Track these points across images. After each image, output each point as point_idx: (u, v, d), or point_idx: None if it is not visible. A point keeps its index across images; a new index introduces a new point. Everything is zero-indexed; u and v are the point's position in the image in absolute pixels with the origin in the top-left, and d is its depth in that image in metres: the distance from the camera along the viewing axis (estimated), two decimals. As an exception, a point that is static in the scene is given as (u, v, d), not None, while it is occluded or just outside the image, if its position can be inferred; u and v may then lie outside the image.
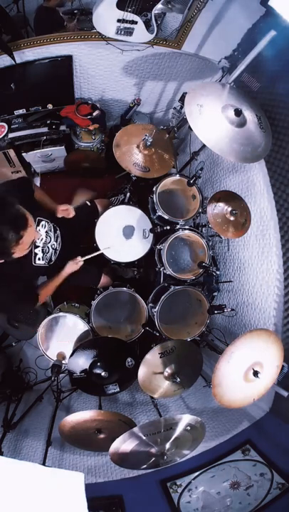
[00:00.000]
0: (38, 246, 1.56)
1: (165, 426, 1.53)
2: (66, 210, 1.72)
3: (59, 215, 1.72)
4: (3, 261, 1.27)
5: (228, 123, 1.56)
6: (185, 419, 1.54)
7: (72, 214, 1.75)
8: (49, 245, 1.63)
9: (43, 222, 1.59)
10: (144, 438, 1.51)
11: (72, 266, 1.72)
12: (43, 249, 1.59)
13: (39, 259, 1.58)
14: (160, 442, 1.56)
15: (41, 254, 1.59)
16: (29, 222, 1.22)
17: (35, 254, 1.56)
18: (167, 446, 1.58)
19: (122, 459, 1.57)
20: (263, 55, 1.74)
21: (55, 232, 1.68)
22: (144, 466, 1.64)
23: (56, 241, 1.69)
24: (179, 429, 1.56)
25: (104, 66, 2.31)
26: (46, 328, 2.01)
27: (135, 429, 1.48)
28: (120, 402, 2.25)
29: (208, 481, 1.68)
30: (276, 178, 1.80)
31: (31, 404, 2.19)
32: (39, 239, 1.56)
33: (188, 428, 1.56)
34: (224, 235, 1.88)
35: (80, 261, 1.73)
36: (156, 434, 1.53)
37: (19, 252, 1.24)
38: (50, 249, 1.65)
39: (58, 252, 1.70)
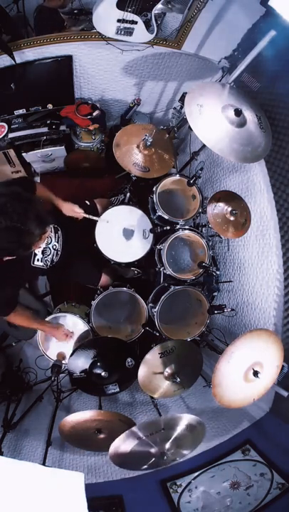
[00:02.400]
0: (40, 247, 1.56)
1: (165, 426, 1.53)
2: (75, 212, 1.74)
3: (67, 214, 1.72)
4: (14, 257, 1.28)
5: (228, 123, 1.56)
6: (185, 419, 1.54)
7: (81, 217, 1.77)
8: (50, 246, 1.63)
9: None
10: (143, 438, 1.51)
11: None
12: (43, 251, 1.59)
13: (38, 260, 1.58)
14: (160, 442, 1.56)
15: (40, 256, 1.59)
16: (50, 220, 1.30)
17: (35, 254, 1.56)
18: (167, 446, 1.58)
19: (122, 459, 1.57)
20: (263, 55, 1.74)
21: (56, 232, 1.68)
22: (144, 466, 1.64)
23: (58, 242, 1.69)
24: (179, 429, 1.56)
25: (104, 66, 2.31)
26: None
27: (135, 429, 1.48)
28: (120, 402, 2.25)
29: (208, 481, 1.68)
30: (276, 178, 1.80)
31: (31, 404, 2.19)
32: None
33: (188, 428, 1.56)
34: (224, 235, 1.88)
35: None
36: (156, 434, 1.53)
37: (36, 246, 1.31)
38: (52, 250, 1.65)
39: (59, 252, 1.70)
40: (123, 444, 1.51)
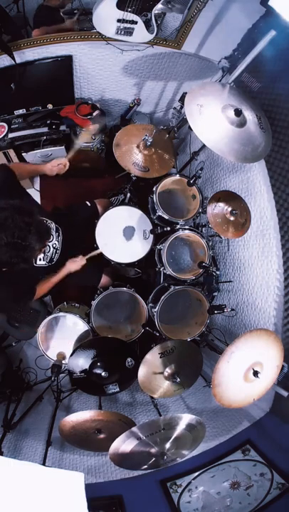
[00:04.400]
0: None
1: (165, 426, 1.53)
2: (59, 165, 1.60)
3: (52, 173, 1.61)
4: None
5: (228, 123, 1.56)
6: (185, 419, 1.54)
7: (67, 165, 1.64)
8: (50, 245, 1.63)
9: None
10: (143, 438, 1.51)
11: (72, 265, 1.72)
12: (44, 250, 1.59)
13: (40, 259, 1.58)
14: (160, 442, 1.56)
15: (42, 255, 1.59)
16: (50, 232, 1.31)
17: None
18: (167, 446, 1.58)
19: (122, 459, 1.57)
20: (263, 55, 1.74)
21: (56, 231, 1.68)
22: (144, 466, 1.64)
23: (58, 240, 1.69)
24: (179, 429, 1.56)
25: (104, 66, 2.31)
26: (46, 328, 2.01)
27: (135, 429, 1.48)
28: (120, 402, 2.25)
29: (208, 481, 1.68)
30: (276, 178, 1.80)
31: (31, 404, 2.19)
32: None
33: (188, 428, 1.56)
34: (224, 235, 1.88)
35: (81, 260, 1.74)
36: (156, 434, 1.53)
37: (36, 257, 1.31)
38: (52, 249, 1.65)
39: (59, 251, 1.70)
40: (123, 444, 1.51)
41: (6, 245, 1.13)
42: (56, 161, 1.62)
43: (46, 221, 1.62)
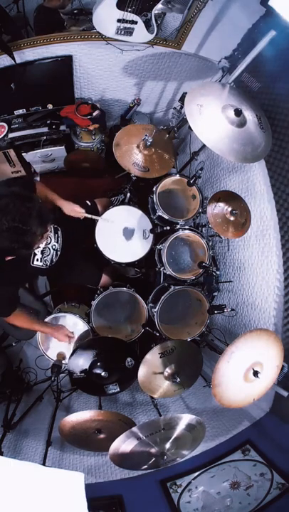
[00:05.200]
0: (39, 247, 1.56)
1: (165, 426, 1.53)
2: (77, 212, 1.73)
3: (68, 213, 1.71)
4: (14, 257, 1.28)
5: (228, 123, 1.56)
6: (185, 419, 1.54)
7: (82, 216, 1.76)
8: (50, 246, 1.63)
9: None
10: (143, 438, 1.51)
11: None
12: (42, 251, 1.59)
13: (37, 260, 1.58)
14: (160, 442, 1.56)
15: (40, 256, 1.59)
16: (51, 217, 1.29)
17: (34, 254, 1.56)
18: (167, 446, 1.58)
19: (122, 459, 1.57)
20: (263, 55, 1.74)
21: (55, 232, 1.68)
22: (144, 466, 1.64)
23: (57, 242, 1.68)
24: (179, 429, 1.56)
25: (104, 66, 2.31)
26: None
27: (135, 429, 1.48)
28: (120, 402, 2.25)
29: (208, 481, 1.68)
30: (276, 178, 1.80)
31: (31, 404, 2.19)
32: None
33: (188, 428, 1.56)
34: (224, 235, 1.88)
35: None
36: (156, 434, 1.53)
37: (36, 245, 1.30)
38: (51, 251, 1.65)
39: (59, 252, 1.70)
40: (123, 444, 1.51)
41: (7, 230, 1.14)
42: (79, 208, 1.74)
43: None
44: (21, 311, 1.63)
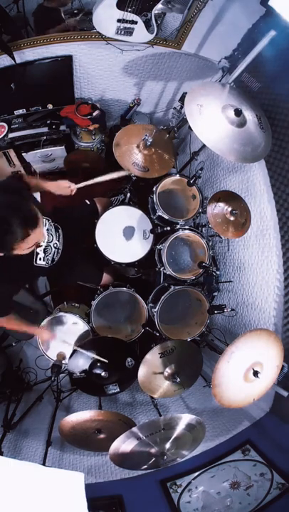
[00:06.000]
0: (41, 246, 1.55)
1: (165, 426, 1.53)
2: (67, 188, 1.63)
3: (58, 193, 1.63)
4: (2, 254, 1.25)
5: (228, 123, 1.56)
6: (185, 419, 1.54)
7: (74, 191, 1.66)
8: (51, 244, 1.63)
9: (43, 221, 1.59)
10: (143, 438, 1.51)
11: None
12: (45, 249, 1.59)
13: (40, 259, 1.58)
14: (160, 442, 1.56)
15: (43, 255, 1.58)
16: (39, 222, 1.20)
17: (37, 253, 1.56)
18: (167, 446, 1.58)
19: (122, 459, 1.57)
20: (263, 55, 1.74)
21: (56, 231, 1.68)
22: (144, 466, 1.64)
23: (58, 240, 1.68)
24: (179, 429, 1.56)
25: (104, 66, 2.31)
26: (46, 328, 2.01)
27: (135, 429, 1.48)
28: (120, 402, 2.25)
29: (208, 481, 1.68)
30: (276, 178, 1.80)
31: (31, 404, 2.19)
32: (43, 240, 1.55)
33: (188, 428, 1.56)
34: (224, 235, 1.88)
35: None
36: (156, 434, 1.53)
37: (19, 249, 1.21)
38: (53, 249, 1.64)
39: (60, 251, 1.70)
40: (123, 444, 1.51)
41: None
42: (66, 182, 1.62)
43: (48, 220, 1.62)
44: (15, 316, 1.62)
